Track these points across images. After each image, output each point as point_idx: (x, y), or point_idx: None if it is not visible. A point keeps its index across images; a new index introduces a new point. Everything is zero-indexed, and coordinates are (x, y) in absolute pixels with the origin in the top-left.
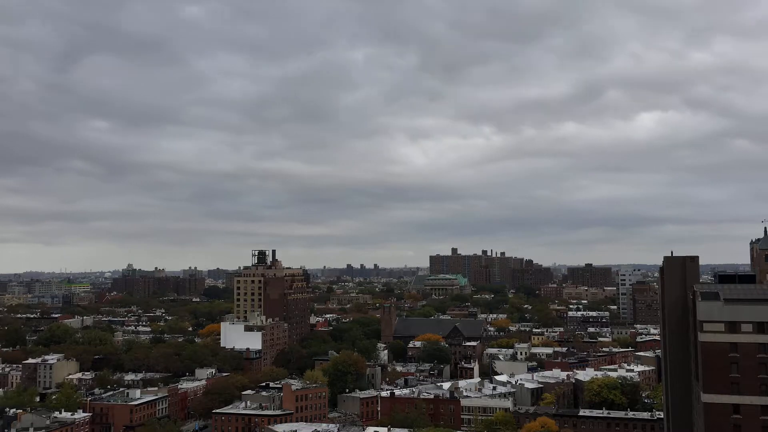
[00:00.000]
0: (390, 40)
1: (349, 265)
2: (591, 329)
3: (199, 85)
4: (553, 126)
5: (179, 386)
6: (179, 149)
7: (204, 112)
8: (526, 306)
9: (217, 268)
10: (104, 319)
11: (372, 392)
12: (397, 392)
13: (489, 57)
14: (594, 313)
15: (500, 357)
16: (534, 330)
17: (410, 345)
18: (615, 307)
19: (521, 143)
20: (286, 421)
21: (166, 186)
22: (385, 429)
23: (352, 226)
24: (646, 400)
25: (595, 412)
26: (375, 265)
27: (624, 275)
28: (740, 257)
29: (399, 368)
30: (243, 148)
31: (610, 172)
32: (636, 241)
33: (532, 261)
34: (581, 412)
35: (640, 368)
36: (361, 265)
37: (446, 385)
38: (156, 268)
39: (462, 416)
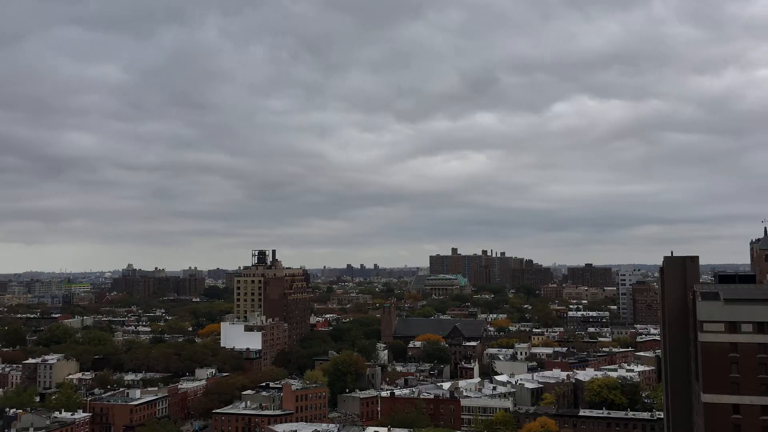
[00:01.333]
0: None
1: (349, 265)
2: (591, 329)
3: None
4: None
5: (179, 386)
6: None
7: None
8: (526, 306)
9: (217, 268)
10: (104, 319)
11: (372, 392)
12: (397, 392)
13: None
14: (594, 313)
15: (500, 357)
16: (534, 330)
17: (410, 345)
18: (615, 307)
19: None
20: (286, 421)
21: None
22: (385, 429)
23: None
24: (646, 400)
25: (595, 412)
26: (375, 265)
27: (624, 275)
28: (740, 257)
29: (399, 368)
30: None
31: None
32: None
33: (532, 261)
34: (581, 412)
35: (640, 368)
36: (361, 265)
37: (446, 385)
38: (156, 268)
39: (462, 416)
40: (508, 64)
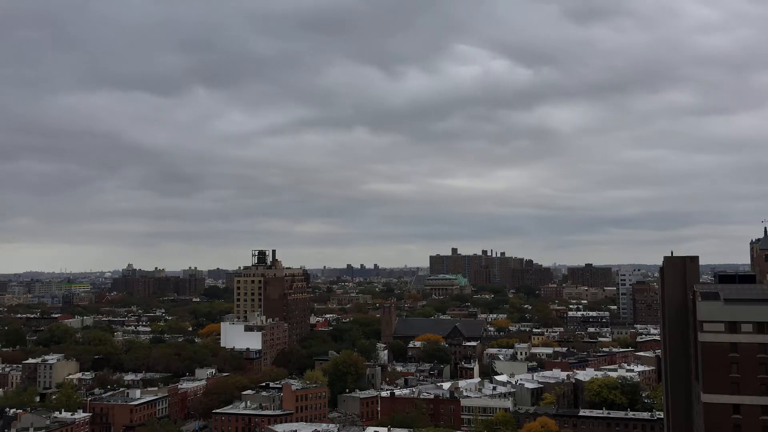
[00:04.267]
0: None
1: (349, 265)
2: (591, 329)
3: None
4: None
5: (179, 386)
6: None
7: None
8: (526, 306)
9: (217, 268)
10: (104, 319)
11: (372, 392)
12: (397, 392)
13: None
14: (594, 313)
15: (500, 357)
16: (534, 330)
17: (410, 345)
18: (615, 307)
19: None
20: (286, 421)
21: None
22: (385, 429)
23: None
24: (646, 400)
25: (595, 412)
26: (375, 265)
27: (624, 275)
28: (740, 257)
29: (399, 368)
30: None
31: None
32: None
33: (532, 261)
34: (581, 412)
35: (640, 368)
36: (361, 265)
37: (446, 385)
38: (156, 268)
39: (462, 416)
40: None
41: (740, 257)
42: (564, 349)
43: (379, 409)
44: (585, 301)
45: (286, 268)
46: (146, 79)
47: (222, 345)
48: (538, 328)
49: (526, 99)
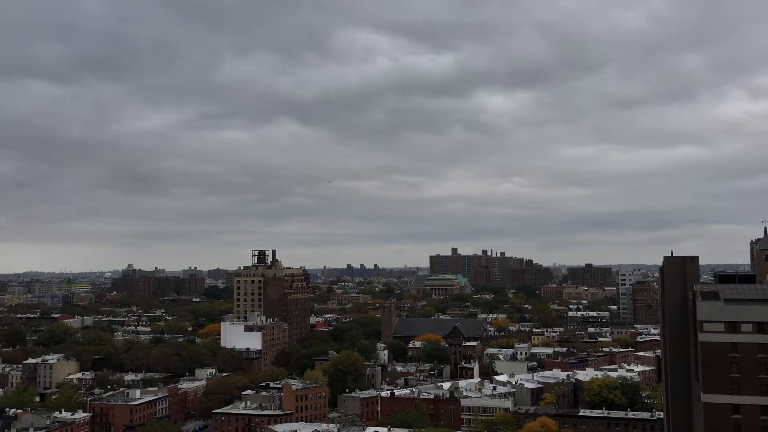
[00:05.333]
0: None
1: (349, 265)
2: (591, 329)
3: None
4: None
5: (179, 386)
6: None
7: None
8: (526, 306)
9: (217, 268)
10: (104, 319)
11: (372, 392)
12: (397, 392)
13: None
14: (594, 313)
15: (500, 357)
16: (534, 330)
17: (410, 345)
18: (615, 307)
19: None
20: (286, 421)
21: None
22: (385, 429)
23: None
24: (646, 400)
25: (595, 412)
26: (375, 265)
27: (624, 275)
28: (740, 257)
29: (399, 368)
30: None
31: None
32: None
33: (532, 261)
34: (581, 412)
35: (640, 368)
36: (361, 265)
37: (446, 385)
38: (156, 268)
39: (462, 416)
40: None
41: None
42: (564, 349)
43: (379, 409)
44: (585, 301)
45: (286, 268)
46: (36, 69)
47: (222, 345)
48: (538, 328)
49: (448, 87)
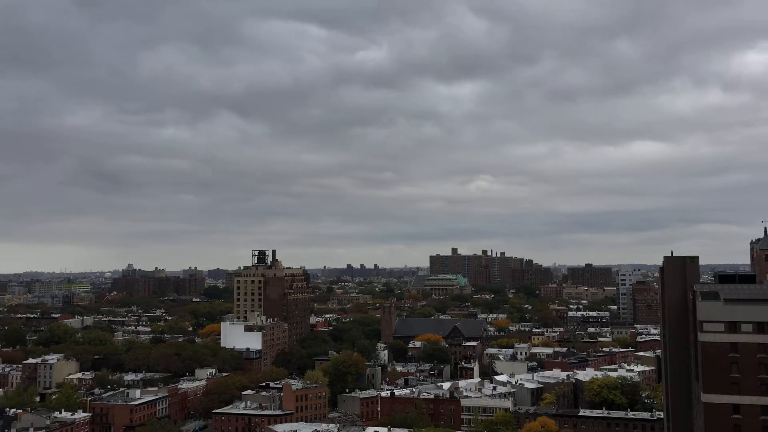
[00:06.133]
0: None
1: (349, 265)
2: (591, 329)
3: None
4: None
5: (179, 386)
6: None
7: None
8: (526, 306)
9: (217, 268)
10: (104, 319)
11: (372, 392)
12: (397, 392)
13: None
14: (594, 313)
15: (500, 357)
16: (534, 330)
17: (410, 345)
18: (615, 307)
19: None
20: (286, 421)
21: None
22: (385, 429)
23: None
24: (646, 400)
25: (595, 412)
26: (375, 265)
27: (624, 275)
28: (740, 257)
29: (399, 368)
30: None
31: None
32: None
33: (532, 261)
34: (581, 412)
35: (640, 368)
36: (361, 265)
37: (446, 385)
38: (156, 268)
39: (462, 416)
40: None
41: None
42: (564, 349)
43: (379, 409)
44: (585, 301)
45: (286, 268)
46: None
47: (222, 345)
48: (538, 328)
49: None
